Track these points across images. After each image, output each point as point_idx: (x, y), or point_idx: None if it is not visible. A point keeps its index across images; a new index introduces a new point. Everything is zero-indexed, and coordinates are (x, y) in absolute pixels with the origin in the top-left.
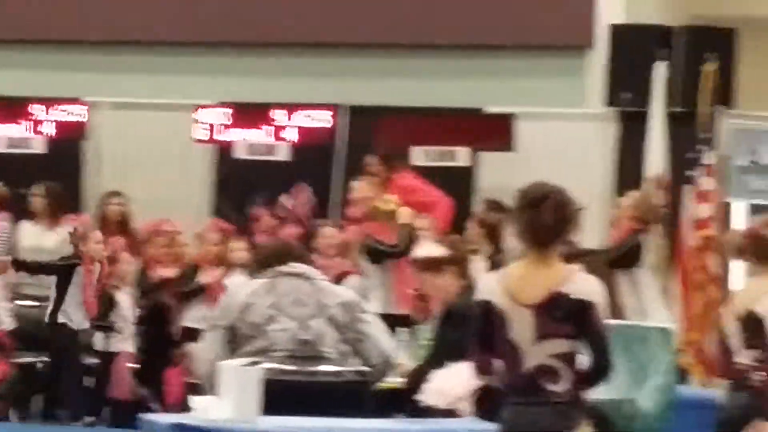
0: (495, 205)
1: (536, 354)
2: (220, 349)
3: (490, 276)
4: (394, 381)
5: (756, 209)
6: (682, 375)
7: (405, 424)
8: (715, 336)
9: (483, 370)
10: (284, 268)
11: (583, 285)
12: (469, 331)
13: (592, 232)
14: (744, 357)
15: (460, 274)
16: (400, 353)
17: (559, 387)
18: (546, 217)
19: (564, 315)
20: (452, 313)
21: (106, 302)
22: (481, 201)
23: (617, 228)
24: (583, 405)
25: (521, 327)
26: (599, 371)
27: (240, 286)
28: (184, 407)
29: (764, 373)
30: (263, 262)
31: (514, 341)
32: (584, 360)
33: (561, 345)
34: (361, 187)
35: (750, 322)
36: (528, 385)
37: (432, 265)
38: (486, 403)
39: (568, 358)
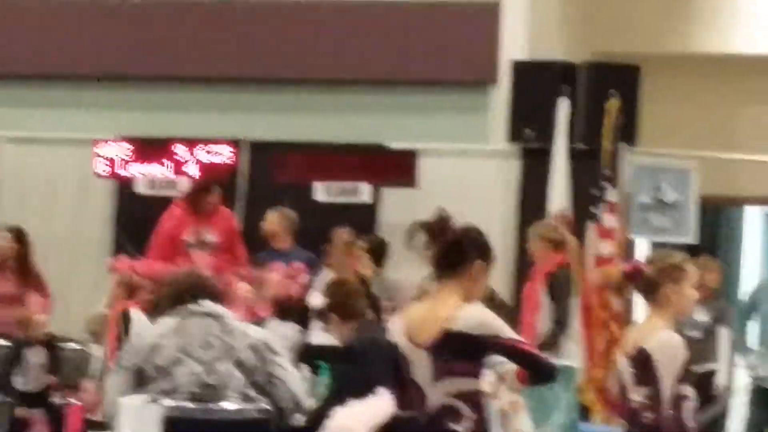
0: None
1: (436, 393)
2: (126, 389)
3: (396, 318)
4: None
5: (659, 247)
6: (584, 413)
7: None
8: (613, 374)
9: (404, 407)
10: (195, 308)
11: (467, 318)
12: (370, 367)
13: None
14: (636, 394)
15: (344, 317)
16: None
17: (462, 427)
18: (438, 247)
19: (457, 352)
20: (349, 351)
21: None
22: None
23: (539, 259)
24: None
25: (420, 367)
26: (543, 378)
27: (149, 326)
28: None
29: (652, 413)
30: (175, 297)
31: (416, 381)
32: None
33: (459, 383)
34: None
35: (640, 360)
36: (432, 424)
37: (320, 315)
38: None
39: (470, 397)
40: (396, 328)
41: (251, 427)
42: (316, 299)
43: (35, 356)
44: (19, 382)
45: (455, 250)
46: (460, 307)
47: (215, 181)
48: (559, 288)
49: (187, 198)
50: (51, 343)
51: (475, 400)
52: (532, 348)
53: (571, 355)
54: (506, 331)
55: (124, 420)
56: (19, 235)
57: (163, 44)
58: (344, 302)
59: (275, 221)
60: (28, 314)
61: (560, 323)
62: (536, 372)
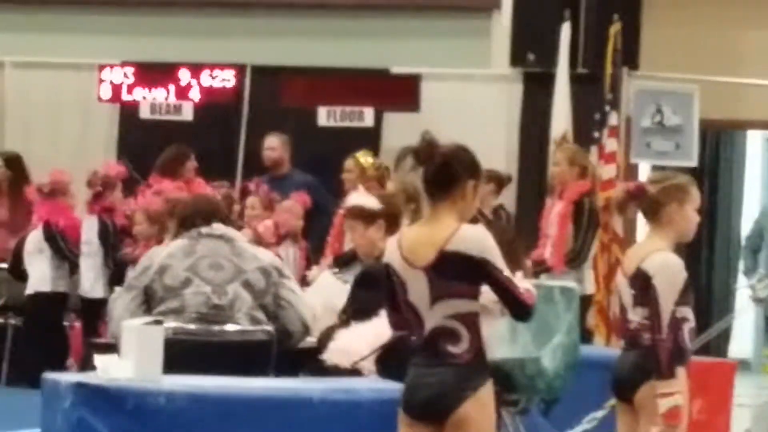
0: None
1: (433, 316)
2: (134, 310)
3: (392, 238)
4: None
5: (660, 171)
6: (587, 335)
7: (306, 383)
8: (614, 295)
9: (397, 326)
10: (205, 229)
11: (471, 241)
12: (381, 292)
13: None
14: (634, 315)
15: (390, 230)
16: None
17: (459, 348)
18: (428, 170)
19: (455, 274)
20: (366, 274)
21: None
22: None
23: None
24: (485, 366)
25: (417, 289)
26: (516, 317)
27: (159, 247)
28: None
29: (651, 334)
30: (187, 220)
31: (413, 304)
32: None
33: (458, 305)
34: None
35: (638, 280)
36: (428, 346)
37: (365, 215)
38: (389, 363)
39: (468, 318)
40: (392, 250)
41: (255, 349)
42: (364, 199)
43: None
44: None
45: (446, 172)
46: (458, 228)
47: (190, 150)
48: (583, 217)
49: (162, 167)
50: None
51: (472, 321)
52: (517, 286)
53: (587, 281)
54: (499, 261)
55: (127, 341)
56: (13, 162)
57: None
58: (396, 215)
59: (279, 147)
60: None
61: (581, 252)
62: (512, 309)
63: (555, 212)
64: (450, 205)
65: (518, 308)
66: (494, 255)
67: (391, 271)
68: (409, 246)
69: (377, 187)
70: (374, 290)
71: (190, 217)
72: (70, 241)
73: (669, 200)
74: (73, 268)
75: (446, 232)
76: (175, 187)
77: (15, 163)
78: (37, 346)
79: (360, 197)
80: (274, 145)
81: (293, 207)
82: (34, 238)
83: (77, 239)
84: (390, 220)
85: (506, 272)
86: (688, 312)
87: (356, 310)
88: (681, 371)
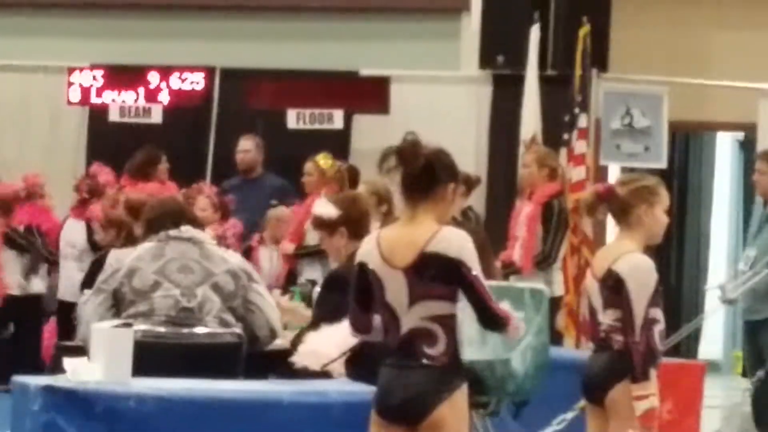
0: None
1: (411, 317)
2: (103, 313)
3: (369, 238)
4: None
5: (630, 172)
6: (556, 337)
7: (276, 386)
8: (583, 297)
9: (359, 328)
10: (173, 232)
11: (451, 242)
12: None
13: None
14: (605, 317)
15: (354, 235)
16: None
17: (435, 350)
18: (410, 171)
19: (434, 275)
20: (334, 278)
21: None
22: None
23: (533, 185)
24: (460, 369)
25: (395, 290)
26: (486, 323)
27: (127, 250)
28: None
29: (623, 336)
30: (155, 223)
31: (390, 304)
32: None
33: (435, 307)
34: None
35: (609, 282)
36: (404, 347)
37: (325, 224)
38: (359, 365)
39: (444, 320)
40: (369, 249)
41: (224, 352)
42: (323, 208)
43: None
44: None
45: (427, 174)
46: (439, 230)
47: (162, 152)
48: (552, 219)
49: (134, 170)
50: None
51: (448, 323)
52: (490, 295)
53: (556, 283)
54: (476, 265)
55: (96, 344)
56: None
57: None
58: (359, 219)
59: (252, 149)
60: None
61: (550, 253)
62: (481, 316)
63: (524, 214)
64: (430, 207)
65: (488, 318)
66: (471, 259)
67: (366, 270)
68: (389, 246)
69: (337, 189)
70: (342, 293)
71: (158, 220)
72: (50, 243)
73: (638, 202)
74: (51, 270)
75: (427, 233)
76: (156, 188)
77: None
78: (12, 348)
79: (320, 206)
80: (247, 147)
81: (283, 214)
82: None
83: (57, 241)
84: (351, 224)
85: (481, 278)
86: (658, 313)
87: (324, 312)
88: (652, 373)
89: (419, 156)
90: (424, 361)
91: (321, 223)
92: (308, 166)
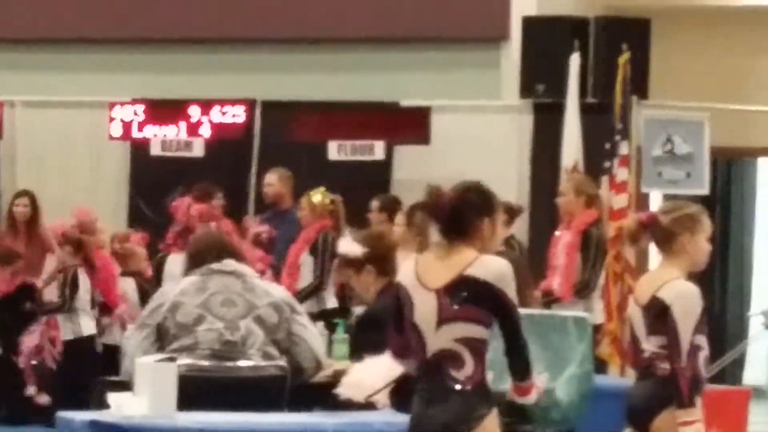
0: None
1: (438, 338)
2: (147, 347)
3: (408, 260)
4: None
5: (672, 199)
6: (600, 365)
7: (320, 417)
8: (626, 325)
9: (397, 352)
10: (216, 266)
11: (491, 269)
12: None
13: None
14: (649, 344)
15: (382, 272)
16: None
17: (462, 374)
18: (439, 221)
19: (468, 297)
20: (365, 318)
21: None
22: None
23: (571, 214)
24: (488, 394)
25: (424, 311)
26: (512, 354)
27: (171, 285)
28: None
29: (668, 362)
30: (197, 257)
31: (417, 325)
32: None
33: (465, 329)
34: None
35: (653, 309)
36: (430, 370)
37: (351, 262)
38: (403, 395)
39: (473, 343)
40: (406, 271)
41: (269, 385)
42: (349, 246)
43: None
44: None
45: (456, 218)
46: (480, 256)
47: (217, 188)
48: (591, 247)
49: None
50: None
51: (478, 347)
52: (521, 324)
53: (596, 311)
54: (514, 296)
55: (140, 379)
56: (33, 200)
57: (175, 6)
58: (385, 256)
59: (276, 182)
60: None
61: (589, 282)
62: (510, 344)
63: (563, 242)
64: (468, 243)
65: (515, 345)
66: (510, 287)
67: (401, 290)
68: (425, 267)
69: (333, 223)
70: (376, 331)
71: (202, 254)
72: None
73: (681, 230)
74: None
75: (468, 258)
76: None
77: (35, 201)
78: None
79: (345, 244)
80: (271, 181)
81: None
82: None
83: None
84: (378, 261)
85: (516, 307)
86: (702, 340)
87: (360, 352)
88: (698, 400)
89: (443, 206)
90: (451, 384)
91: (347, 262)
92: (301, 201)
